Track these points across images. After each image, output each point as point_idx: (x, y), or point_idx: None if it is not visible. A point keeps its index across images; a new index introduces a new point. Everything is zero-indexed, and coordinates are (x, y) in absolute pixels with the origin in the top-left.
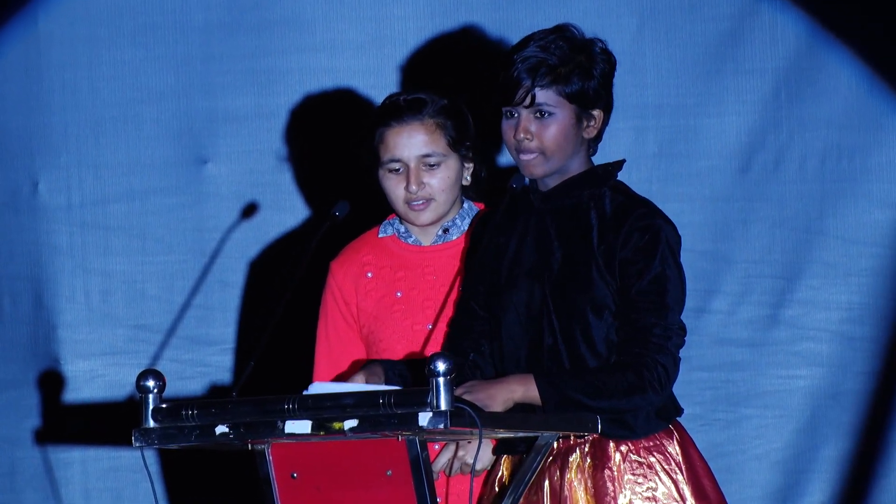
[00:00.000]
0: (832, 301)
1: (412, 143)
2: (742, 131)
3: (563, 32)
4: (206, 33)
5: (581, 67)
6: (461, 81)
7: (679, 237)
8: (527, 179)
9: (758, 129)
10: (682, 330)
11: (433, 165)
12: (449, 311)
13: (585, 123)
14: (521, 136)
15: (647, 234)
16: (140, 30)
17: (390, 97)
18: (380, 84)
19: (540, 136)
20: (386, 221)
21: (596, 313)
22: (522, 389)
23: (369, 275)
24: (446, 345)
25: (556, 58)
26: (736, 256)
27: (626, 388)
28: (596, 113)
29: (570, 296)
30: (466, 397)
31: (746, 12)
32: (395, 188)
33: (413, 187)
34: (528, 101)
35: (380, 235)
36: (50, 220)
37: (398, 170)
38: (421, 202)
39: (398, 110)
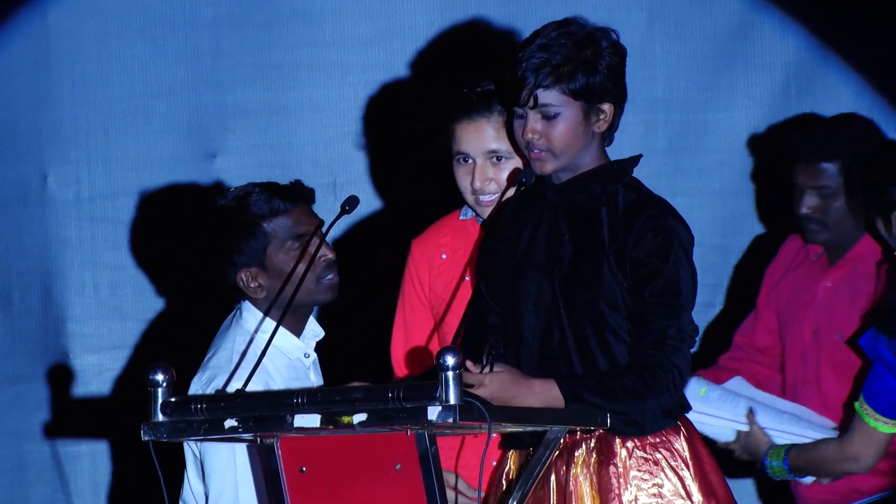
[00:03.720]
0: None
1: (480, 138)
2: (751, 126)
3: (567, 27)
4: (215, 28)
5: (585, 63)
6: (470, 74)
7: (692, 237)
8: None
9: (767, 123)
10: (695, 331)
11: (500, 160)
12: None
13: (595, 118)
14: (529, 136)
15: (660, 235)
16: (149, 24)
17: (462, 85)
18: (389, 78)
19: (547, 136)
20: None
21: (607, 310)
22: (544, 393)
23: (444, 256)
24: (465, 335)
25: (559, 56)
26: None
27: (643, 389)
28: (605, 107)
29: (578, 292)
30: (487, 387)
31: (756, 7)
32: (463, 180)
33: (478, 183)
34: (531, 102)
35: (461, 217)
36: (59, 213)
37: (466, 161)
38: (488, 197)
39: (469, 105)
